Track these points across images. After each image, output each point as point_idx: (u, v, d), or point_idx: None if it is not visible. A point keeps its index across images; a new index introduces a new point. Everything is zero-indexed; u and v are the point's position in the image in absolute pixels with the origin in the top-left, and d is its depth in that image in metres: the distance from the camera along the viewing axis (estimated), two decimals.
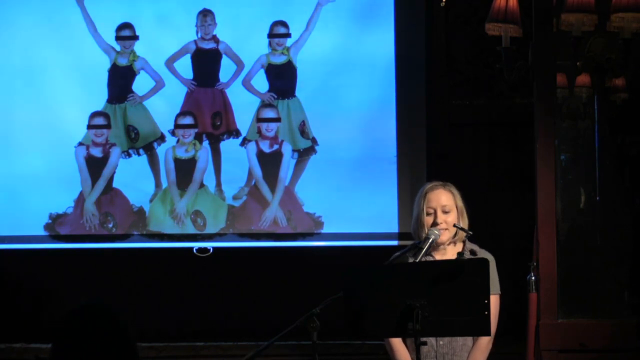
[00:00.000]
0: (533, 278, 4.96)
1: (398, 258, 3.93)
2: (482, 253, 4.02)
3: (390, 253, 4.07)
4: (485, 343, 3.94)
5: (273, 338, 3.66)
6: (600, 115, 5.18)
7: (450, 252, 4.03)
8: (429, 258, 4.00)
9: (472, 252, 3.99)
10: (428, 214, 4.00)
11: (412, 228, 4.10)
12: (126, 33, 6.35)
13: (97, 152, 6.34)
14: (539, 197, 4.99)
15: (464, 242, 4.05)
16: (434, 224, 3.98)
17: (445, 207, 3.99)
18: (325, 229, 6.23)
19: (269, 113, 6.28)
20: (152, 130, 6.33)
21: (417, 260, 3.77)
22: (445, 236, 3.99)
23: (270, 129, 6.28)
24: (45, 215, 6.33)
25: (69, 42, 6.33)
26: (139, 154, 6.34)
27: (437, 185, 4.07)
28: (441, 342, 3.97)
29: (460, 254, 3.97)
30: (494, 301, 3.98)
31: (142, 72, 6.34)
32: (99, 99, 6.35)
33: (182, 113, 6.32)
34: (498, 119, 6.27)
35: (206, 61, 6.33)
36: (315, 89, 6.27)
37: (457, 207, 4.02)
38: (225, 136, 6.31)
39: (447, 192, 4.03)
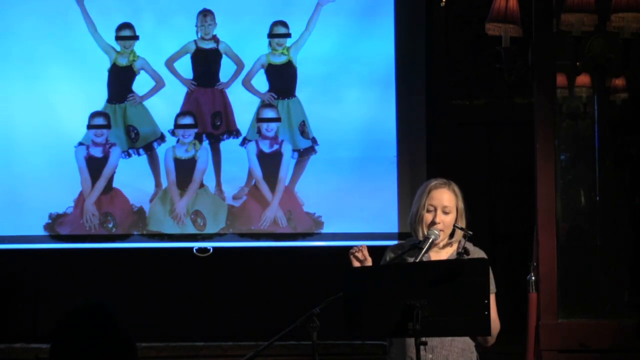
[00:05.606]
0: (533, 278, 4.95)
1: (397, 258, 3.91)
2: (476, 252, 3.99)
3: None
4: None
5: (273, 338, 3.65)
6: (600, 115, 5.18)
7: (444, 252, 4.02)
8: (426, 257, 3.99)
9: (465, 250, 3.96)
10: (428, 211, 3.98)
11: (409, 221, 4.07)
12: (126, 33, 6.35)
13: (97, 152, 6.34)
14: (539, 197, 4.99)
15: (459, 241, 4.03)
16: (432, 222, 3.97)
17: (446, 208, 3.97)
18: (325, 229, 6.23)
19: (269, 113, 6.28)
20: (152, 130, 6.33)
21: (417, 260, 3.76)
22: (440, 236, 3.98)
23: (270, 129, 6.28)
24: (45, 215, 6.32)
25: (69, 42, 6.34)
26: (139, 154, 6.34)
27: (441, 183, 4.03)
28: None
29: (458, 253, 3.95)
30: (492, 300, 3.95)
31: (142, 72, 6.34)
32: (99, 99, 6.35)
33: (182, 113, 6.32)
34: (498, 119, 6.27)
35: (206, 61, 6.32)
36: (315, 89, 6.26)
37: (457, 209, 4.00)
38: (225, 136, 6.31)
39: (451, 192, 4.01)
